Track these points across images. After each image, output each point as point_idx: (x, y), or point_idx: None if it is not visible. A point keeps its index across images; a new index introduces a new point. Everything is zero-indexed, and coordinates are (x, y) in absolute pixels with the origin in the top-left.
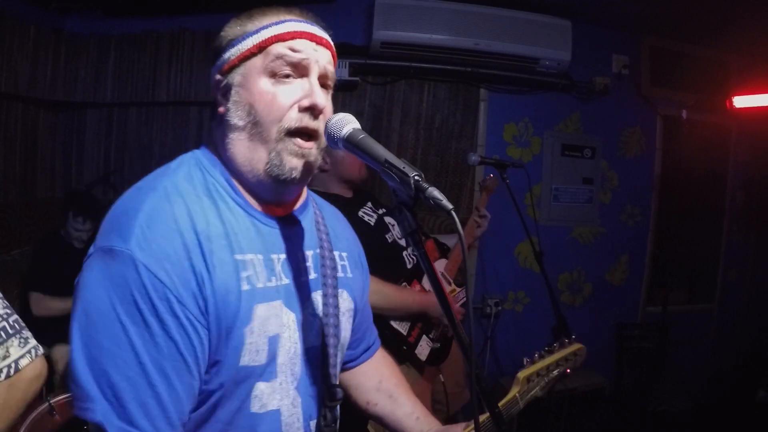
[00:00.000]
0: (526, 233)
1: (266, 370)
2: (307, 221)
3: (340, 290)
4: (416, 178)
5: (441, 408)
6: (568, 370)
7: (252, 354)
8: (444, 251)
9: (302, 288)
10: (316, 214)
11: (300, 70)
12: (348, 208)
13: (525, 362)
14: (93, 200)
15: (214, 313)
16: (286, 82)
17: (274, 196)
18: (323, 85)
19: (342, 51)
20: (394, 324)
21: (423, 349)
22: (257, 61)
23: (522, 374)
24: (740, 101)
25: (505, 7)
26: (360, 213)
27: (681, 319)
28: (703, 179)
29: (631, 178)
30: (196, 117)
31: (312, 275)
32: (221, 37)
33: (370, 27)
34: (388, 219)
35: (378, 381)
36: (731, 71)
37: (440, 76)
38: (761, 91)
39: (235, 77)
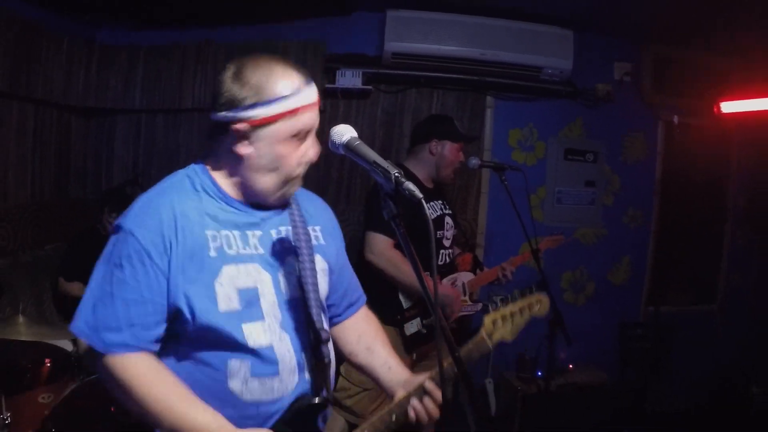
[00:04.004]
0: (524, 233)
1: (247, 314)
2: (280, 208)
3: (315, 255)
4: (396, 174)
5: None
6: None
7: (226, 301)
8: (475, 268)
9: (277, 254)
10: (290, 201)
11: (308, 132)
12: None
13: (490, 308)
14: (126, 198)
15: (178, 267)
16: (297, 144)
17: (262, 204)
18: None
19: (356, 61)
20: (401, 296)
21: (411, 327)
22: (280, 127)
23: (488, 318)
24: (727, 107)
25: (509, 19)
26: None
27: (684, 320)
28: (705, 183)
29: (633, 182)
30: None
31: (287, 244)
32: (244, 92)
33: (382, 39)
34: (448, 219)
35: (358, 335)
36: (732, 77)
37: (448, 84)
38: (754, 96)
39: (256, 133)
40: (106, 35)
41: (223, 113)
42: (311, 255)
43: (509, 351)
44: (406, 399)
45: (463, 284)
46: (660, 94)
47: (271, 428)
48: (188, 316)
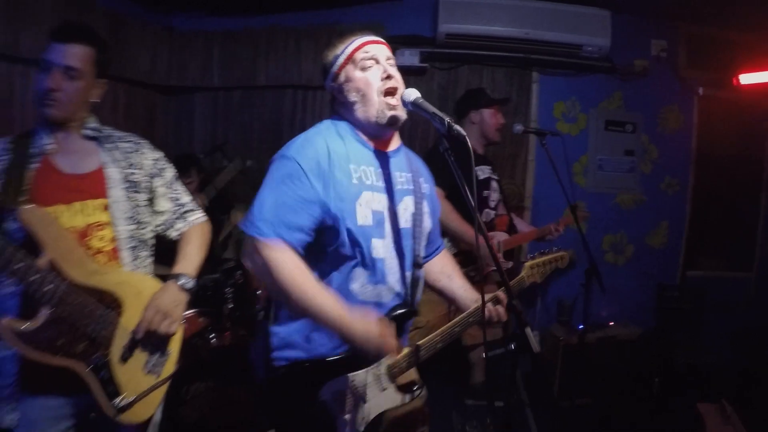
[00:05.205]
0: (564, 193)
1: (377, 231)
2: (401, 157)
3: (423, 200)
4: (448, 120)
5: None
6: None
7: (363, 218)
8: (510, 230)
9: (398, 191)
10: (408, 157)
11: (375, 60)
12: (470, 158)
13: (528, 257)
14: (189, 158)
15: (329, 189)
16: (370, 69)
17: (380, 135)
18: (389, 63)
19: (412, 42)
20: (448, 243)
21: None
22: (350, 67)
23: (528, 264)
24: (745, 78)
25: (551, 1)
26: (475, 167)
27: (719, 285)
28: (740, 154)
29: (670, 152)
30: (290, 99)
31: (405, 186)
32: (324, 63)
33: (436, 21)
34: (494, 184)
35: (441, 267)
36: (764, 51)
37: (497, 61)
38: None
39: (341, 78)
40: (182, 22)
41: (325, 81)
42: (422, 199)
43: (555, 307)
44: (484, 305)
45: (499, 243)
46: (694, 69)
47: None
48: (335, 226)
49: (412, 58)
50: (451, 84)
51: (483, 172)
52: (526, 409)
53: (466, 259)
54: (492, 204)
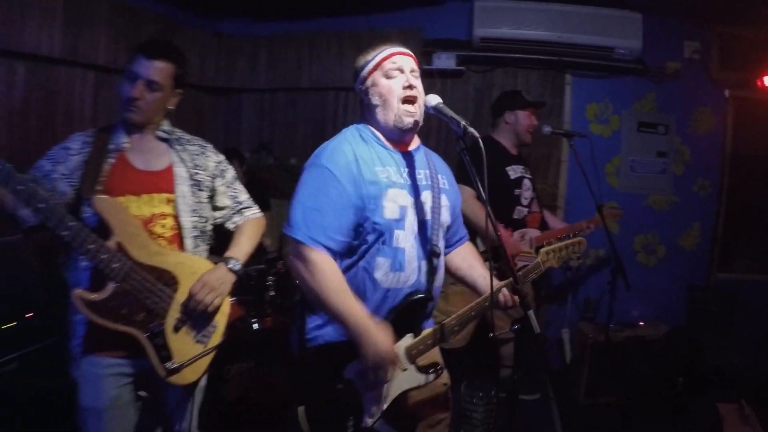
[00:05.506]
0: (591, 194)
1: (399, 224)
2: (420, 156)
3: (441, 194)
4: (463, 123)
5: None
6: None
7: (389, 212)
8: (542, 227)
9: (419, 187)
10: (427, 155)
11: (400, 70)
12: (502, 158)
13: (545, 244)
14: (231, 151)
15: (364, 190)
16: (394, 78)
17: (399, 138)
18: (413, 75)
19: (449, 45)
20: (478, 240)
21: None
22: (377, 73)
23: (543, 249)
24: None
25: (581, 4)
26: (507, 167)
27: (751, 287)
28: None
29: (702, 153)
30: (332, 100)
31: (424, 182)
32: (355, 67)
33: (472, 25)
34: (526, 182)
35: (462, 257)
36: None
37: (531, 64)
38: None
39: (368, 83)
40: (230, 27)
41: (355, 83)
42: (439, 193)
43: (585, 304)
44: (499, 290)
45: (531, 239)
46: (727, 71)
47: (392, 309)
48: (365, 223)
49: (448, 61)
50: (486, 87)
51: (515, 171)
52: (552, 404)
53: (495, 255)
54: (524, 202)
